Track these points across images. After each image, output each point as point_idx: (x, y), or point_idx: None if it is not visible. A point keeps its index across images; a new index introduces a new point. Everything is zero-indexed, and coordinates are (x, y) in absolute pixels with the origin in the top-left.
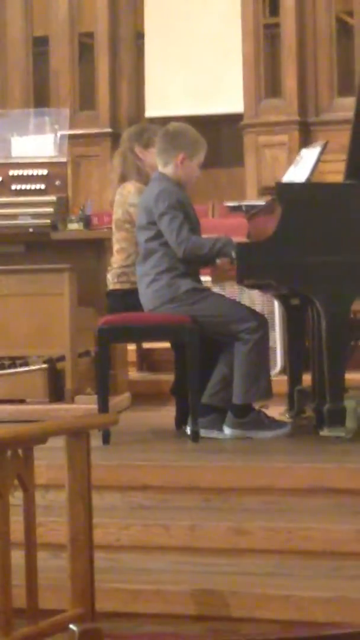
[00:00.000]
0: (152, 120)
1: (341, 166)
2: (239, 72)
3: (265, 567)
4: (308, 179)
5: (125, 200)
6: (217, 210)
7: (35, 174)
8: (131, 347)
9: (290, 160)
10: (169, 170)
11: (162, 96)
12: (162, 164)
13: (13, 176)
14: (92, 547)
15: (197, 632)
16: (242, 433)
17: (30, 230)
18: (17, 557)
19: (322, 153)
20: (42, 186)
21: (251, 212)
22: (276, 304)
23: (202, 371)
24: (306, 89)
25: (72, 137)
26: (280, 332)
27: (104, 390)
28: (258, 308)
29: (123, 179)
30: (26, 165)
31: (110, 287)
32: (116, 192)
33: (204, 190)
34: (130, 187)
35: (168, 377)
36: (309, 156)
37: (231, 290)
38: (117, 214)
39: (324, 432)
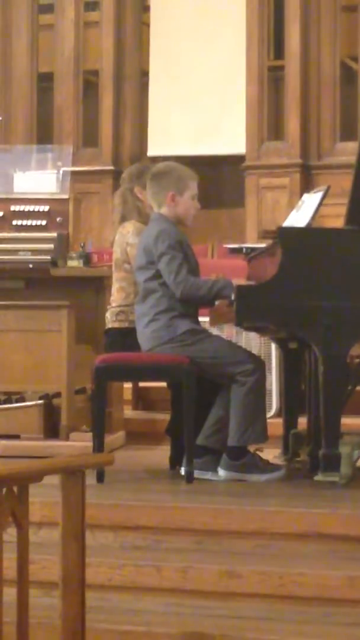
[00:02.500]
0: (155, 159)
1: (341, 210)
2: (242, 114)
3: (256, 612)
4: (309, 224)
5: (124, 239)
6: (216, 251)
7: (36, 209)
8: (127, 385)
9: (291, 203)
10: (164, 210)
11: (164, 135)
12: (156, 206)
13: (14, 211)
14: (84, 586)
15: None
16: (237, 475)
17: (30, 266)
18: (9, 595)
19: (324, 198)
20: (44, 222)
21: (251, 255)
22: (273, 346)
23: (197, 412)
24: (309, 132)
25: (74, 174)
26: (277, 375)
27: (100, 429)
28: (255, 350)
29: (124, 219)
30: (28, 201)
31: (109, 325)
32: (117, 231)
33: (204, 230)
34: (130, 227)
35: (163, 417)
36: (310, 201)
37: (228, 332)
38: (117, 253)
39: (319, 477)
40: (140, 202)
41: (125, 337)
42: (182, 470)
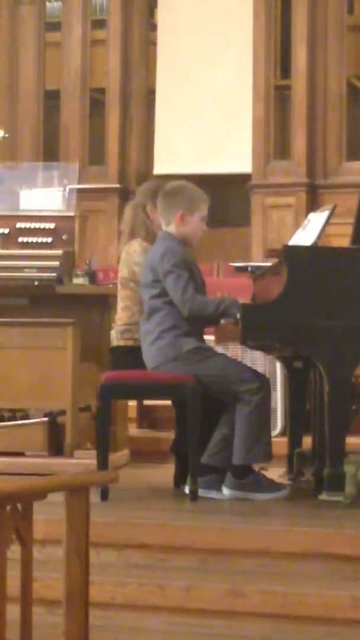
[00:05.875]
0: (160, 177)
1: (347, 229)
2: (248, 133)
3: (260, 631)
4: (315, 243)
5: (130, 258)
6: (222, 269)
7: (42, 227)
8: (131, 403)
9: (296, 222)
10: (172, 229)
11: (171, 153)
12: (165, 224)
13: (20, 228)
14: (88, 604)
15: None
16: (241, 494)
17: (36, 283)
18: (12, 612)
19: (330, 217)
20: (49, 239)
21: (257, 274)
22: (278, 365)
23: (202, 431)
24: (315, 152)
25: (80, 191)
26: (282, 394)
27: (104, 447)
28: (260, 369)
29: (132, 233)
30: (34, 218)
31: (114, 343)
32: (123, 248)
33: (209, 249)
34: (137, 246)
35: (168, 435)
36: (316, 220)
37: (234, 350)
38: (123, 272)
39: (323, 497)
40: (149, 221)
41: (130, 356)
42: (187, 489)
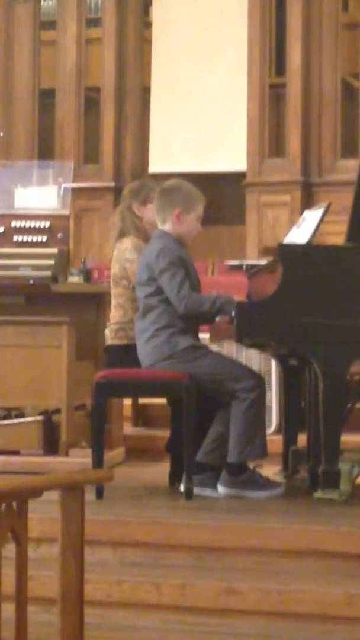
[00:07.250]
0: (155, 175)
1: (342, 227)
2: (243, 130)
3: (255, 629)
4: (310, 241)
5: (122, 255)
6: (217, 267)
7: (37, 225)
8: (126, 401)
9: (291, 220)
10: (167, 227)
11: (166, 152)
12: (160, 221)
13: (15, 227)
14: (83, 602)
15: None
16: (236, 492)
17: (31, 282)
18: (7, 610)
19: (324, 215)
20: (44, 238)
21: (252, 271)
22: (273, 362)
23: (197, 429)
24: (310, 150)
25: (75, 190)
26: (277, 391)
27: (99, 446)
28: (255, 367)
29: (121, 235)
30: (29, 217)
31: (109, 342)
32: (115, 246)
33: (204, 247)
34: (128, 243)
35: (163, 433)
36: (311, 218)
37: (229, 348)
38: (115, 269)
39: (318, 494)
40: (138, 219)
41: (125, 354)
42: (182, 487)
